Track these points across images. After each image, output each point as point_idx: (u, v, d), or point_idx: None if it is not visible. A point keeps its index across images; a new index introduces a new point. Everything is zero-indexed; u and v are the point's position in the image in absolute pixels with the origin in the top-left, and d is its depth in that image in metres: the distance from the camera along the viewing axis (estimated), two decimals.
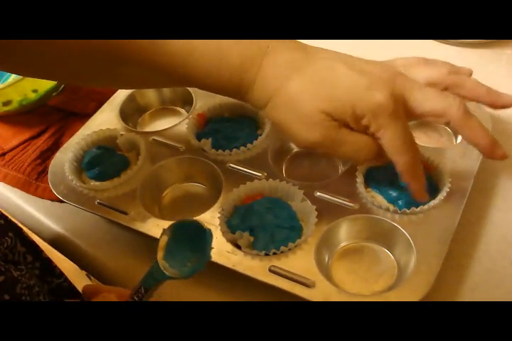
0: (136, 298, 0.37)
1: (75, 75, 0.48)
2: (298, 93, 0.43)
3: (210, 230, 0.36)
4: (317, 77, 0.44)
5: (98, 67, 0.45)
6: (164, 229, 0.38)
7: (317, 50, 0.47)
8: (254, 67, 0.44)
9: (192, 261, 0.36)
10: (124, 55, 0.43)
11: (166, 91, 0.67)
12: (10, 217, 0.52)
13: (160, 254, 0.37)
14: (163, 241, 0.37)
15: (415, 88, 0.45)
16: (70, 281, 0.53)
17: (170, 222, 0.53)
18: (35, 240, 0.57)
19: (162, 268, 0.36)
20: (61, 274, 0.53)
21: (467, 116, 0.45)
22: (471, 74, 0.52)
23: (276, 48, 0.45)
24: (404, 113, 0.44)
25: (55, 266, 0.53)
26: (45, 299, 0.46)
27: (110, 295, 0.37)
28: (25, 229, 0.58)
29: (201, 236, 0.36)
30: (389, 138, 0.44)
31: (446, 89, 0.49)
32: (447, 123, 0.46)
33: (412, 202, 0.50)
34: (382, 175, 0.53)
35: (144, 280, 0.37)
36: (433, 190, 0.53)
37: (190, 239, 0.37)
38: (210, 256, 0.36)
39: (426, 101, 0.45)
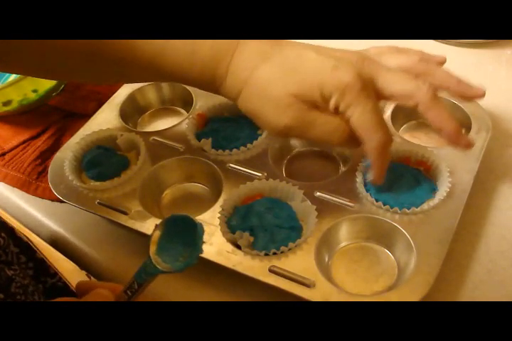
0: (130, 293, 0.37)
1: (57, 71, 0.50)
2: (266, 80, 0.44)
3: (201, 224, 0.36)
4: (285, 63, 0.44)
5: (79, 63, 0.47)
6: (156, 225, 0.38)
7: (288, 41, 0.47)
8: (225, 59, 0.45)
9: (184, 255, 0.36)
10: (107, 54, 0.44)
11: (166, 91, 0.67)
12: (3, 217, 0.52)
13: (152, 249, 0.37)
14: (156, 236, 0.38)
15: (384, 70, 0.45)
16: (64, 281, 0.53)
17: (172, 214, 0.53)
18: (34, 240, 0.57)
19: (155, 263, 0.37)
20: (55, 274, 0.53)
21: (435, 100, 0.45)
22: (443, 62, 0.51)
23: (246, 42, 0.45)
24: (373, 93, 0.44)
25: (49, 266, 0.53)
26: (41, 299, 0.46)
27: (103, 290, 0.37)
28: (20, 228, 0.58)
29: (193, 231, 0.36)
30: (358, 116, 0.44)
31: (416, 77, 0.48)
32: (415, 106, 0.46)
33: (405, 206, 0.50)
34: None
35: (137, 275, 0.37)
36: (433, 190, 0.53)
37: (182, 233, 0.37)
38: (201, 250, 0.36)
39: (395, 82, 0.45)
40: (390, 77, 0.45)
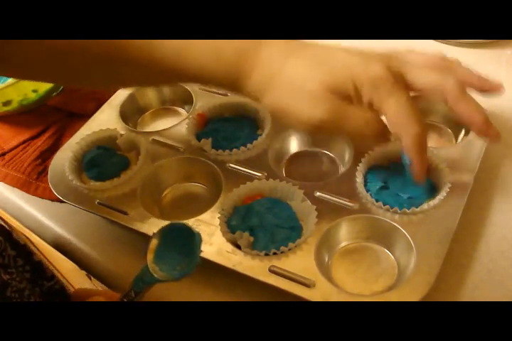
0: (126, 301, 0.37)
1: (71, 76, 0.49)
2: (298, 73, 0.43)
3: (199, 233, 0.36)
4: (315, 57, 0.44)
5: (96, 66, 0.45)
6: (154, 233, 0.38)
7: (311, 41, 0.47)
8: (250, 58, 0.44)
9: (181, 264, 0.37)
10: (123, 55, 0.43)
11: (166, 91, 0.67)
12: (2, 218, 0.52)
13: (150, 257, 0.37)
14: (153, 244, 0.38)
15: (411, 65, 0.45)
16: (61, 284, 0.53)
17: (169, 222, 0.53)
18: (34, 240, 0.57)
19: (152, 272, 0.36)
20: (52, 277, 0.53)
21: (464, 92, 0.45)
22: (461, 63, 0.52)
23: (269, 41, 0.45)
24: (405, 86, 0.44)
25: (46, 268, 0.53)
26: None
27: (99, 298, 0.37)
28: (20, 228, 0.58)
29: (190, 240, 0.36)
30: (394, 110, 0.43)
31: (441, 71, 0.48)
32: (444, 100, 0.45)
33: (405, 206, 0.50)
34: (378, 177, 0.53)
35: (134, 284, 0.37)
36: (433, 190, 0.53)
37: (180, 242, 0.37)
38: (199, 260, 0.36)
39: (423, 76, 0.45)
40: (418, 71, 0.45)
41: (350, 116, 0.43)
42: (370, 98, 0.43)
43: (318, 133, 0.46)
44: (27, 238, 0.56)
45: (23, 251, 0.51)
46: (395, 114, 0.43)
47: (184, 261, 0.37)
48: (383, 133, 0.45)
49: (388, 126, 0.45)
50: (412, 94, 0.45)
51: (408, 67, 0.45)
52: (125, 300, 0.37)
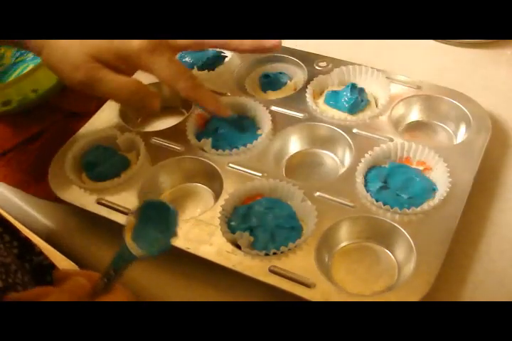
0: (106, 280, 0.37)
1: None
2: (66, 42, 0.49)
3: (174, 209, 0.36)
4: None
5: None
6: (131, 212, 0.38)
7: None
8: None
9: (159, 240, 0.37)
10: None
11: (166, 91, 0.67)
12: (1, 214, 0.52)
13: (128, 235, 0.37)
14: (131, 222, 0.38)
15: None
16: (50, 260, 0.54)
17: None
18: (34, 239, 0.57)
19: (130, 249, 0.37)
20: (41, 252, 0.53)
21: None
22: None
23: None
24: (167, 49, 0.50)
25: (35, 245, 0.54)
26: (24, 277, 0.46)
27: (80, 278, 0.38)
28: (20, 228, 0.58)
29: (167, 216, 0.36)
30: (159, 71, 0.50)
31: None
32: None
33: (405, 206, 0.50)
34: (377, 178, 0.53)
35: (113, 262, 0.37)
36: (433, 190, 0.53)
37: (157, 219, 0.37)
38: (176, 235, 0.36)
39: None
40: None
41: (106, 81, 0.49)
42: (136, 66, 0.50)
43: (82, 92, 0.52)
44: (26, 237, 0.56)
45: (10, 228, 0.51)
46: (160, 74, 0.50)
47: (161, 238, 0.37)
48: (143, 100, 0.51)
49: (163, 84, 0.53)
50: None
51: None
52: (105, 280, 0.37)
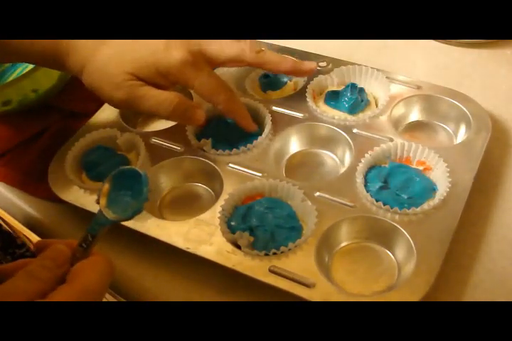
0: (85, 245, 0.38)
1: None
2: (106, 60, 0.50)
3: (145, 173, 0.38)
4: (122, 45, 0.51)
5: None
6: (105, 179, 0.40)
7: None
8: (64, 42, 0.51)
9: (132, 205, 0.38)
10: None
11: None
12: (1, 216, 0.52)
13: (102, 202, 0.39)
14: (105, 189, 0.39)
15: (209, 42, 0.52)
16: (32, 251, 0.54)
17: (170, 222, 0.53)
18: (34, 239, 0.57)
19: (106, 214, 0.38)
20: (23, 244, 0.54)
21: (260, 53, 0.53)
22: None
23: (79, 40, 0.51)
24: (205, 64, 0.52)
25: (17, 237, 0.54)
26: None
27: (60, 245, 0.38)
28: (20, 228, 0.58)
29: (139, 182, 0.38)
30: (198, 86, 0.51)
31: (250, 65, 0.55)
32: (249, 65, 0.54)
33: (405, 206, 0.51)
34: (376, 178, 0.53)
35: (89, 228, 0.39)
36: (433, 190, 0.53)
37: (130, 185, 0.39)
38: (147, 199, 0.38)
39: (224, 48, 0.52)
40: (218, 46, 0.52)
41: (147, 98, 0.50)
42: (177, 80, 0.51)
43: (123, 109, 0.55)
44: (26, 237, 0.56)
45: None
46: (200, 89, 0.52)
47: (135, 202, 0.38)
48: (181, 112, 0.52)
49: (202, 98, 0.53)
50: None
51: (206, 44, 0.52)
52: (83, 245, 0.38)
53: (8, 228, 0.53)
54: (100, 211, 0.39)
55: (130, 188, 0.39)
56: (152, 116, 0.67)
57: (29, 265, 0.36)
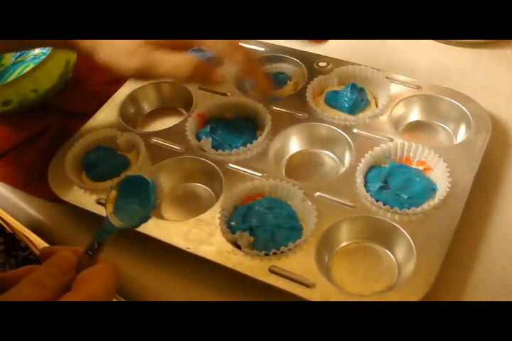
0: (91, 253, 0.38)
1: None
2: None
3: (152, 181, 0.38)
4: None
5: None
6: (111, 186, 0.40)
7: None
8: None
9: (139, 213, 0.38)
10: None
11: (166, 91, 0.67)
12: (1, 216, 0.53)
13: (109, 209, 0.39)
14: (112, 196, 0.39)
15: None
16: (35, 253, 0.54)
17: (170, 222, 0.53)
18: (34, 239, 0.57)
19: (112, 222, 0.38)
20: (26, 247, 0.54)
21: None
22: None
23: None
24: None
25: (20, 240, 0.54)
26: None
27: (66, 252, 0.38)
28: (20, 228, 0.58)
29: (146, 190, 0.38)
30: (216, 45, 0.51)
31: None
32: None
33: (405, 206, 0.51)
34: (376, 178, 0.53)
35: (96, 235, 0.39)
36: (433, 190, 0.53)
37: (137, 192, 0.39)
38: (154, 207, 0.38)
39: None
40: None
41: (163, 62, 0.49)
42: (191, 43, 0.50)
43: (140, 78, 0.54)
44: (26, 237, 0.56)
45: None
46: (219, 48, 0.51)
47: (142, 210, 0.38)
48: (198, 74, 0.50)
49: (220, 58, 0.52)
50: None
51: None
52: (89, 252, 0.38)
53: (10, 230, 0.54)
54: (107, 218, 0.38)
55: (137, 195, 0.39)
56: (153, 116, 0.67)
57: (34, 272, 0.36)
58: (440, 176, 0.53)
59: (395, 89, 0.61)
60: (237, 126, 0.60)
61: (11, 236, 0.53)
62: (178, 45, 0.50)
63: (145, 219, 0.38)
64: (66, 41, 0.51)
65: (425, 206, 0.50)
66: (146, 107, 0.67)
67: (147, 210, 0.38)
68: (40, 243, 0.60)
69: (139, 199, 0.39)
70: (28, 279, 0.35)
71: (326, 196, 0.53)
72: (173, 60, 0.50)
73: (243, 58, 0.52)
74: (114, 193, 0.39)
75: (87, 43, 0.51)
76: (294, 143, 0.60)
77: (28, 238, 0.57)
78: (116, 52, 0.50)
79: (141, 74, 0.51)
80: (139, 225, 0.38)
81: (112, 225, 0.38)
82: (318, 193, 0.53)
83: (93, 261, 0.38)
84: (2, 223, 0.54)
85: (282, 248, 0.49)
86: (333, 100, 0.61)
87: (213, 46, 0.51)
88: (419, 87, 0.61)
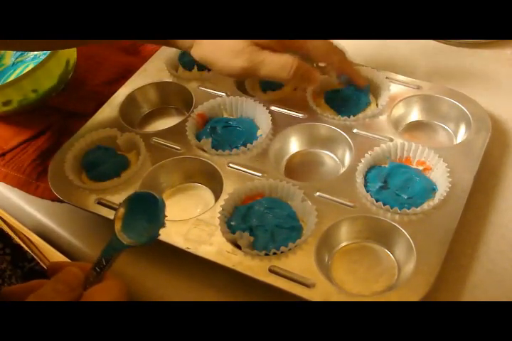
0: (98, 269, 0.38)
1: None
2: None
3: (162, 199, 0.38)
4: None
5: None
6: (120, 203, 0.39)
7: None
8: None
9: (148, 230, 0.38)
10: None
11: (166, 91, 0.67)
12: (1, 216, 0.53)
13: (117, 226, 0.39)
14: (121, 213, 0.39)
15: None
16: (41, 265, 0.54)
17: (170, 222, 0.53)
18: (34, 239, 0.57)
19: (120, 239, 0.38)
20: (32, 259, 0.54)
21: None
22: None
23: None
24: None
25: (26, 252, 0.54)
26: (18, 282, 0.47)
27: (73, 268, 0.38)
28: (20, 228, 0.58)
29: (155, 206, 0.38)
30: (312, 48, 0.53)
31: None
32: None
33: (405, 206, 0.51)
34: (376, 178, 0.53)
35: (104, 252, 0.38)
36: (433, 190, 0.53)
37: (145, 209, 0.38)
38: (163, 224, 0.38)
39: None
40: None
41: (268, 62, 0.51)
42: (291, 45, 0.52)
43: (241, 78, 0.57)
44: (24, 234, 0.56)
45: (2, 234, 0.51)
46: (315, 51, 0.54)
47: (150, 227, 0.38)
48: (302, 74, 0.53)
49: (317, 60, 0.56)
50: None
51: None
52: (97, 269, 0.38)
53: (17, 241, 0.54)
54: (115, 235, 0.38)
55: (145, 212, 0.38)
56: (153, 116, 0.67)
57: (41, 288, 0.36)
58: (440, 176, 0.53)
59: (395, 89, 0.61)
60: (237, 126, 0.60)
61: (18, 247, 0.53)
62: (279, 47, 0.52)
63: (154, 237, 0.38)
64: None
65: (425, 206, 0.50)
66: (146, 107, 0.67)
67: (156, 228, 0.37)
68: (40, 243, 0.60)
69: (147, 216, 0.38)
70: (35, 295, 0.35)
71: (326, 196, 0.53)
72: (278, 60, 0.51)
73: (341, 58, 0.56)
74: (122, 210, 0.39)
75: (186, 41, 0.52)
76: (294, 143, 0.60)
77: (33, 243, 0.57)
78: (220, 51, 0.51)
79: (245, 74, 0.52)
80: (146, 243, 0.38)
81: (121, 242, 0.38)
82: (318, 193, 0.53)
83: (100, 277, 0.38)
84: (10, 232, 0.54)
85: (282, 248, 0.49)
86: (333, 100, 0.61)
87: (313, 48, 0.53)
88: (419, 87, 0.61)
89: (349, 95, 0.60)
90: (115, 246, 0.38)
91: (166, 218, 0.47)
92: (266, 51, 0.51)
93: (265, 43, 0.51)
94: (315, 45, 0.53)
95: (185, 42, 0.53)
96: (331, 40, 0.55)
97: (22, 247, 0.53)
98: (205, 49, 0.52)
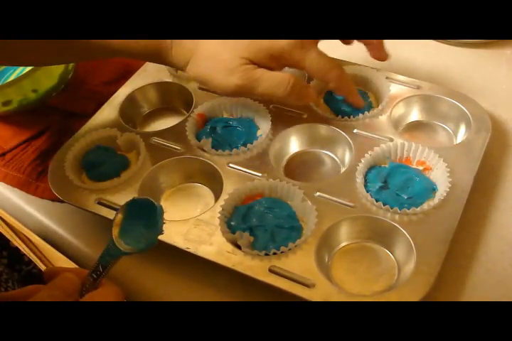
0: (95, 276, 0.38)
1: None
2: (217, 47, 0.50)
3: (160, 206, 0.38)
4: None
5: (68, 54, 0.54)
6: (118, 208, 0.39)
7: None
8: (167, 40, 0.51)
9: (146, 236, 0.38)
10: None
11: (166, 91, 0.67)
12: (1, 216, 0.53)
13: (115, 232, 0.38)
14: (118, 219, 0.39)
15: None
16: (39, 268, 0.54)
17: (170, 222, 0.53)
18: (34, 239, 0.57)
19: (118, 245, 0.37)
20: (30, 262, 0.53)
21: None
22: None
23: None
24: (313, 43, 0.52)
25: (24, 255, 0.54)
26: (15, 286, 0.47)
27: (70, 274, 0.38)
28: (20, 228, 0.58)
29: (153, 213, 0.38)
30: (309, 66, 0.51)
31: None
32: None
33: (405, 206, 0.50)
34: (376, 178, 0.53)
35: (101, 258, 0.38)
36: (433, 190, 0.53)
37: (143, 216, 0.38)
38: (162, 231, 0.38)
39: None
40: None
41: (263, 79, 0.50)
42: (287, 63, 0.51)
43: (237, 95, 0.56)
44: (24, 235, 0.56)
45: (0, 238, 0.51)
46: (311, 68, 0.52)
47: (148, 234, 0.38)
48: (297, 92, 0.52)
49: (313, 77, 0.55)
50: None
51: None
52: (93, 275, 0.38)
53: (15, 245, 0.54)
54: (112, 242, 0.38)
55: (143, 218, 0.38)
56: (153, 116, 0.67)
57: (37, 294, 0.36)
58: (440, 176, 0.53)
59: (395, 89, 0.61)
60: (237, 126, 0.60)
61: (15, 250, 0.53)
62: (275, 65, 0.51)
63: (152, 243, 0.37)
64: (157, 55, 0.52)
65: (425, 206, 0.50)
66: (146, 107, 0.67)
67: (154, 235, 0.37)
68: (40, 243, 0.60)
69: (145, 222, 0.38)
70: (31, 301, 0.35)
71: (326, 196, 0.53)
72: (273, 78, 0.51)
73: (339, 76, 0.54)
74: (120, 216, 0.39)
75: (180, 59, 0.51)
76: (294, 143, 0.60)
77: (33, 243, 0.57)
78: (215, 68, 0.50)
79: (240, 92, 0.51)
80: (144, 250, 0.37)
81: (118, 249, 0.38)
82: (318, 193, 0.53)
83: (97, 283, 0.38)
84: (7, 235, 0.54)
85: (282, 248, 0.49)
86: (333, 100, 0.61)
87: (309, 65, 0.52)
88: (419, 87, 0.61)
89: None
90: (112, 252, 0.38)
91: (166, 218, 0.47)
92: (261, 69, 0.51)
93: (261, 62, 0.51)
94: (310, 62, 0.51)
95: (180, 61, 0.52)
96: (328, 56, 0.53)
97: (19, 250, 0.53)
98: (200, 67, 0.51)
